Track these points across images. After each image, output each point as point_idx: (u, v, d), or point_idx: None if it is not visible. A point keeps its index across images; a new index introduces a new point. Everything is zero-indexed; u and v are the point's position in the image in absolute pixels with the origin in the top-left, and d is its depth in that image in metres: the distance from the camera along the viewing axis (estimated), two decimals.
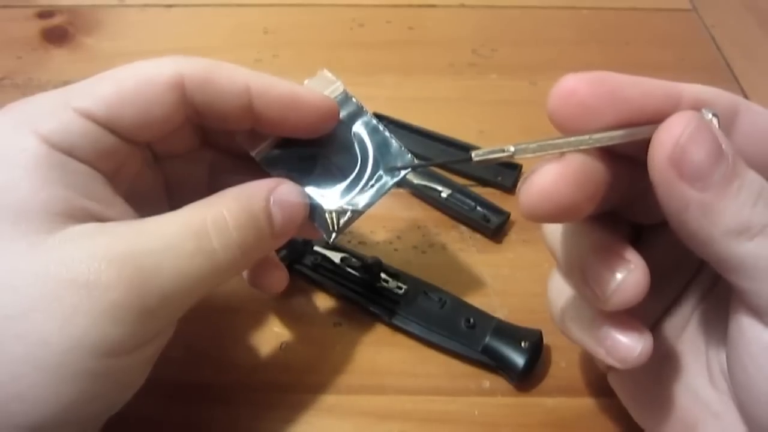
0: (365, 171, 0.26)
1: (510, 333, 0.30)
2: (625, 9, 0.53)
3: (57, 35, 0.48)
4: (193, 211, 0.23)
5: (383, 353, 0.31)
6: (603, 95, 0.19)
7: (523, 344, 0.30)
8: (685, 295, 0.25)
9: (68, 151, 0.21)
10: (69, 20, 0.50)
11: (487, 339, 0.30)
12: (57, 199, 0.20)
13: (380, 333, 0.32)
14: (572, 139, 0.19)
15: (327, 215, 0.26)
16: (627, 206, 0.23)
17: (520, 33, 0.50)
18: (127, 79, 0.23)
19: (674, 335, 0.25)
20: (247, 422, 0.29)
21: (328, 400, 0.29)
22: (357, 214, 0.26)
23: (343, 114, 0.27)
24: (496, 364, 0.30)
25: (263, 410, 0.29)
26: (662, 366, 0.25)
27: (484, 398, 0.30)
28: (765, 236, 0.18)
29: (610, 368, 0.27)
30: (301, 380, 0.30)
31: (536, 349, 0.30)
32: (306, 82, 0.27)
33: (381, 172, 0.26)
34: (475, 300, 0.32)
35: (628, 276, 0.21)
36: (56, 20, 0.50)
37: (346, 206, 0.26)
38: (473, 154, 0.20)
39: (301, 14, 0.51)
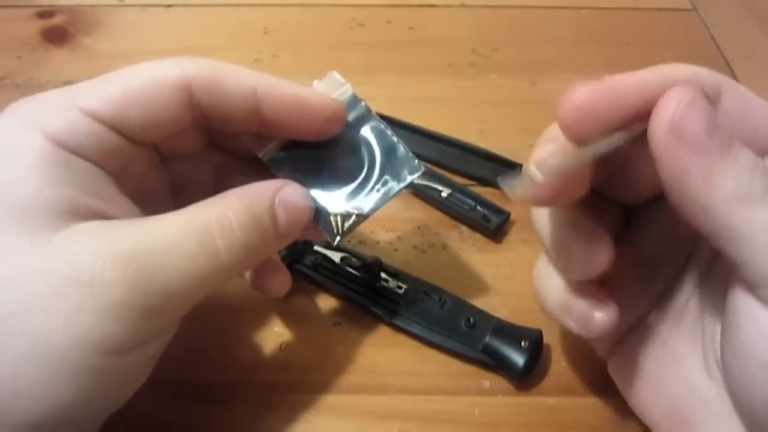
0: (372, 175, 0.26)
1: (510, 332, 0.30)
2: (625, 9, 0.53)
3: (57, 35, 0.48)
4: (198, 211, 0.23)
5: (383, 353, 0.31)
6: (611, 103, 0.20)
7: (523, 344, 0.30)
8: (680, 283, 0.25)
9: (74, 149, 0.21)
10: (69, 20, 0.49)
11: (487, 338, 0.30)
12: (62, 196, 0.20)
13: (380, 333, 0.32)
14: (590, 148, 0.20)
15: (332, 218, 0.26)
16: (609, 183, 0.24)
17: (520, 33, 0.50)
18: (134, 81, 0.23)
19: (671, 323, 0.25)
20: (247, 422, 0.29)
21: (329, 399, 0.29)
22: (362, 218, 0.26)
23: (351, 117, 0.27)
24: (496, 364, 0.30)
25: (263, 410, 0.29)
26: (659, 353, 0.25)
27: (484, 398, 0.30)
28: (764, 204, 0.19)
29: (610, 356, 0.27)
30: (301, 380, 0.30)
31: (536, 348, 0.30)
32: (315, 83, 0.27)
33: (387, 176, 0.26)
34: (475, 300, 0.33)
35: (597, 248, 0.23)
36: (56, 20, 0.49)
37: (351, 210, 0.26)
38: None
39: (301, 14, 0.51)
